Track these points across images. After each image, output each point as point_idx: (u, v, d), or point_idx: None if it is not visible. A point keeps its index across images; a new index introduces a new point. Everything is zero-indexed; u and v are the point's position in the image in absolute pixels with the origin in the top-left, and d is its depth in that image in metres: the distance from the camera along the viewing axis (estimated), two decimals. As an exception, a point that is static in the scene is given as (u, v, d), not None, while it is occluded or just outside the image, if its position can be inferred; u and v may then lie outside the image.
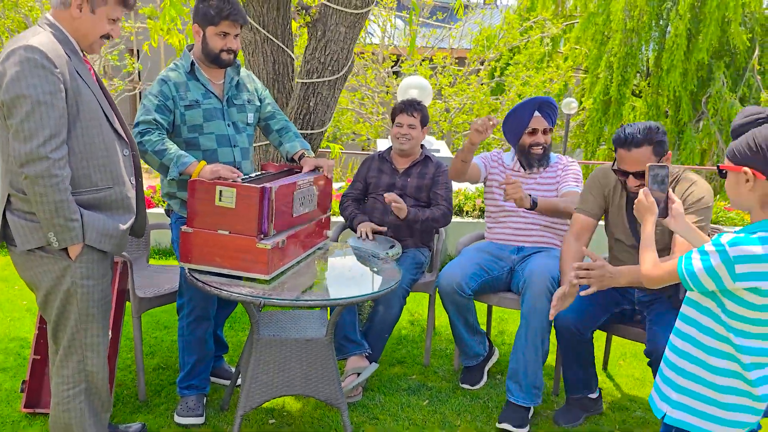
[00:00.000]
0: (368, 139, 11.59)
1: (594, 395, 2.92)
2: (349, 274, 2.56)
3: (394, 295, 3.06)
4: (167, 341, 3.58)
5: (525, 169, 3.26)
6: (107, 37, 2.13)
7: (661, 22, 12.95)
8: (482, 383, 3.20)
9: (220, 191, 2.29)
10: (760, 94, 12.21)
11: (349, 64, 3.87)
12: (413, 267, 3.24)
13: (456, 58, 11.83)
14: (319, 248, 2.80)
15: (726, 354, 1.70)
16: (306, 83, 3.83)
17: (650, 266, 1.79)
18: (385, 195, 3.22)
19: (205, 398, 2.83)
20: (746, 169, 1.62)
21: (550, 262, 2.96)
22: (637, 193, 2.53)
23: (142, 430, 2.64)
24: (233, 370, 3.15)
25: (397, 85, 11.16)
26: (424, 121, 3.46)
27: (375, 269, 2.63)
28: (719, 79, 12.21)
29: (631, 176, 2.52)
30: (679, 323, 1.79)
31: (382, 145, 4.95)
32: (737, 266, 1.61)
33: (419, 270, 3.29)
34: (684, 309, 1.77)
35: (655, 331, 2.51)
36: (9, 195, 2.05)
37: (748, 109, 1.65)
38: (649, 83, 13.04)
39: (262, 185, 2.28)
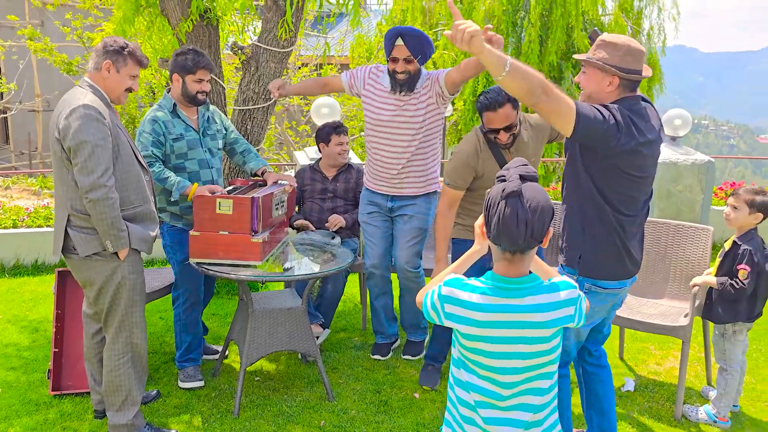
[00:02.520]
0: (261, 148, 12.27)
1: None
2: (316, 257, 3.41)
3: (339, 274, 3.93)
4: (145, 333, 4.22)
5: (394, 92, 3.46)
6: (130, 90, 2.85)
7: (516, 29, 14.62)
8: (388, 357, 3.87)
9: (219, 202, 3.06)
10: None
11: (278, 92, 4.67)
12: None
13: (340, 65, 12.76)
14: (283, 242, 3.62)
15: (466, 385, 1.79)
16: (243, 110, 4.59)
17: (422, 291, 1.87)
18: (330, 221, 4.05)
19: (199, 368, 3.56)
20: (479, 223, 1.81)
21: (412, 249, 3.59)
22: (507, 142, 3.13)
23: (158, 395, 3.36)
24: (214, 347, 3.89)
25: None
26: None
27: (333, 252, 3.50)
28: (568, 77, 14.02)
29: (501, 131, 3.08)
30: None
31: (300, 156, 5.77)
32: (445, 305, 1.73)
33: (353, 254, 4.18)
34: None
35: None
36: (69, 216, 2.73)
37: (513, 161, 1.82)
38: (510, 84, 14.67)
39: (251, 196, 3.09)
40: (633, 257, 2.47)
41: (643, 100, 2.42)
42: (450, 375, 1.85)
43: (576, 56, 2.51)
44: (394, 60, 3.40)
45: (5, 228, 5.50)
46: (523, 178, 1.70)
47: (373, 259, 3.73)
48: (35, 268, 5.39)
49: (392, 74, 3.45)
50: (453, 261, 3.55)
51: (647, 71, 2.39)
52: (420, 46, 3.38)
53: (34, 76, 14.19)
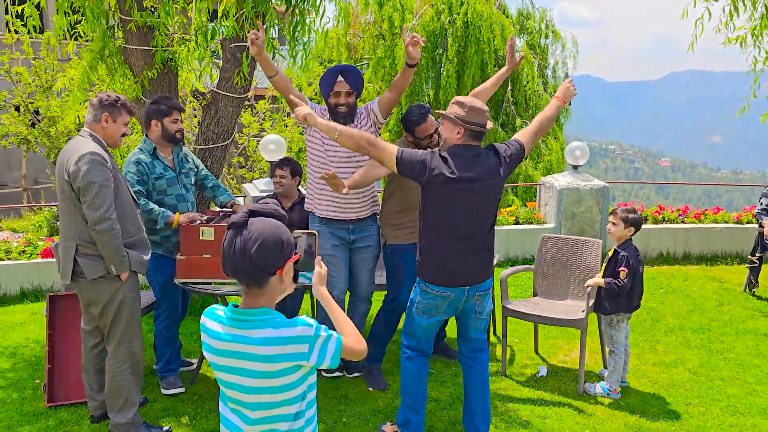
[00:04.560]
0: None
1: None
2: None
3: (297, 290, 4.52)
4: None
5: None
6: (124, 135, 3.39)
7: (436, 65, 15.70)
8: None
9: (203, 230, 3.62)
10: (516, 120, 15.35)
11: (234, 132, 5.26)
12: (305, 272, 4.72)
13: (270, 97, 13.35)
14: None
15: (221, 418, 1.88)
16: (203, 148, 5.15)
17: None
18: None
19: (179, 377, 4.05)
20: None
21: (371, 274, 4.06)
22: (436, 144, 3.74)
23: (145, 401, 3.83)
24: (187, 360, 4.38)
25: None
26: (295, 172, 4.94)
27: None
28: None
29: (433, 134, 3.76)
30: None
31: (250, 188, 6.34)
32: (202, 334, 1.83)
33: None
34: None
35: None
36: (77, 246, 3.22)
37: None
38: (431, 116, 15.69)
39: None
40: (453, 273, 3.12)
41: (490, 148, 3.16)
42: None
43: (437, 112, 3.25)
44: (337, 94, 3.80)
45: (-34, 262, 5.74)
46: (254, 213, 1.80)
47: (340, 288, 3.98)
48: (-3, 300, 5.67)
49: (334, 108, 3.82)
50: (390, 266, 4.08)
51: (489, 125, 3.11)
52: (357, 81, 3.86)
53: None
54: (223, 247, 1.76)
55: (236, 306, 1.81)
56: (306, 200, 4.15)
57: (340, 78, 3.83)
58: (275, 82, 3.78)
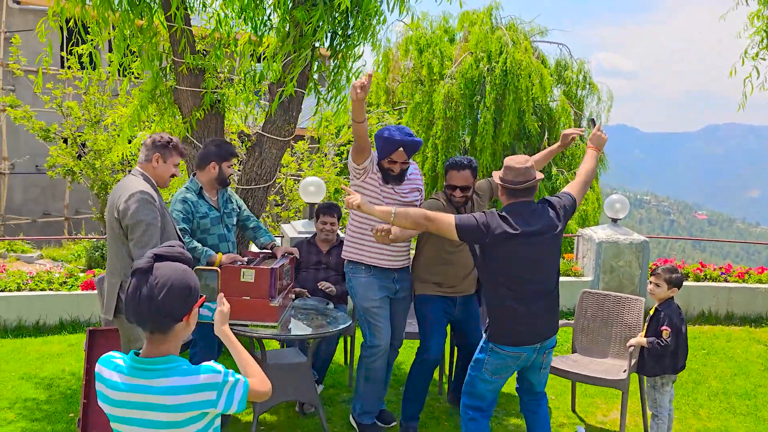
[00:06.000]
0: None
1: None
2: (318, 319, 3.99)
3: (332, 336, 4.49)
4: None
5: (384, 182, 3.82)
6: (173, 175, 3.47)
7: (473, 112, 15.81)
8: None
9: (243, 272, 3.65)
10: (552, 168, 15.27)
11: (276, 174, 5.33)
12: (340, 316, 4.69)
13: (310, 137, 13.58)
14: (290, 306, 4.19)
15: None
16: (246, 189, 5.22)
17: None
18: (320, 285, 4.63)
19: (211, 418, 4.03)
20: None
21: (401, 324, 4.08)
22: (460, 201, 3.82)
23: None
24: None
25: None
26: (339, 217, 4.98)
27: (333, 316, 4.08)
28: (521, 157, 15.21)
29: (457, 189, 3.80)
30: None
31: (288, 229, 6.39)
32: (97, 383, 1.77)
33: (350, 318, 4.75)
34: None
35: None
36: (122, 282, 3.27)
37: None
38: (467, 161, 15.74)
39: (270, 267, 3.68)
40: (525, 332, 3.13)
41: (545, 201, 3.19)
42: None
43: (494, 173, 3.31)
44: (393, 162, 3.77)
45: (9, 291, 5.87)
46: (159, 257, 1.76)
47: (386, 339, 3.90)
48: (36, 330, 5.76)
49: (386, 170, 3.80)
50: (419, 316, 4.03)
51: (530, 183, 3.11)
52: (415, 152, 3.80)
53: (2, 140, 14.51)
54: (128, 293, 1.72)
55: (137, 353, 1.77)
56: (349, 250, 3.97)
57: (401, 149, 3.74)
58: (359, 128, 3.58)
